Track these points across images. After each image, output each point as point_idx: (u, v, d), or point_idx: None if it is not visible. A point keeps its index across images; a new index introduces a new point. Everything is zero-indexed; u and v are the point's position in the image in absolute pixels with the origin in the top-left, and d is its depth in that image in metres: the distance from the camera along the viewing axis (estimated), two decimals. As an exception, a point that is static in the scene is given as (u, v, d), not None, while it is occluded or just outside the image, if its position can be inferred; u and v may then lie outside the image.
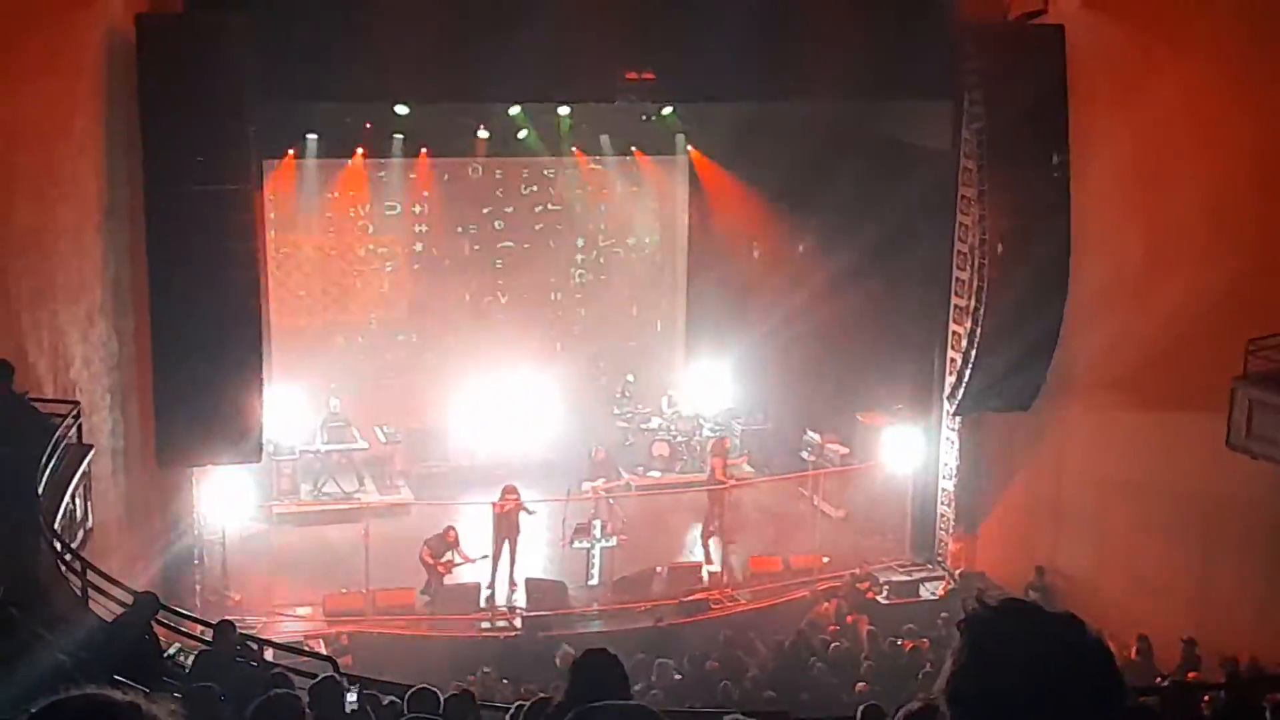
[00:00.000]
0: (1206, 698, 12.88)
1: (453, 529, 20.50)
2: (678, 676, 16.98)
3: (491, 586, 20.27)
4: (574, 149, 25.50)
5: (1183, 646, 16.95)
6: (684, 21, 19.62)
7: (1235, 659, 16.21)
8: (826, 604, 20.13)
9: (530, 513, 20.73)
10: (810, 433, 24.41)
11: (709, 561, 21.69)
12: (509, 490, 20.48)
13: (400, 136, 23.97)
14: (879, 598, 20.72)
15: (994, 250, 19.59)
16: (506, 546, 20.49)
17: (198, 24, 17.66)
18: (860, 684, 16.31)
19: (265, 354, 19.15)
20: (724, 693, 15.93)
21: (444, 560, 20.28)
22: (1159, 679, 15.72)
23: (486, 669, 17.70)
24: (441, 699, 9.64)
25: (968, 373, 20.31)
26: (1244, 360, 16.23)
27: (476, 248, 25.86)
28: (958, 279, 20.87)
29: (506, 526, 20.36)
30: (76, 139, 16.66)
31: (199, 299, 17.26)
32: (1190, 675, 15.92)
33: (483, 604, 20.08)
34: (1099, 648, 2.26)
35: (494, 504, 20.44)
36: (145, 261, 17.53)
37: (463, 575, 20.56)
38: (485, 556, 20.41)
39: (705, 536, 22.03)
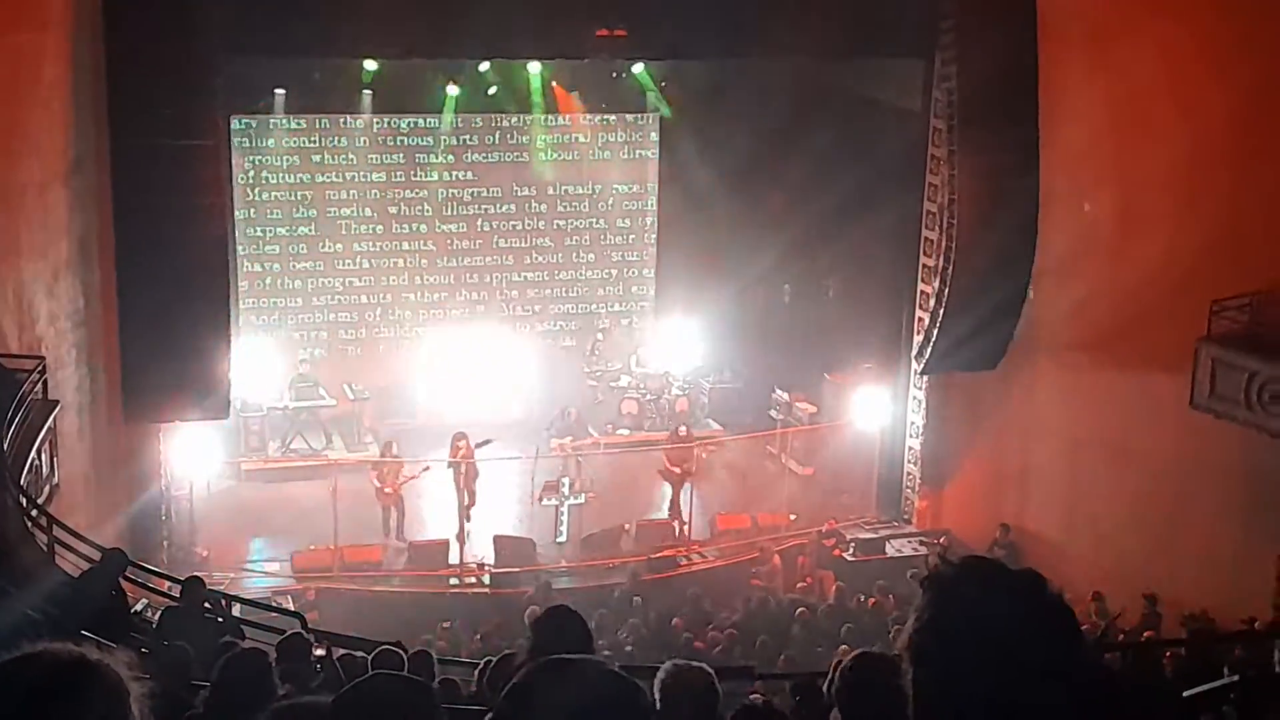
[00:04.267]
0: (1168, 654, 13.04)
1: (390, 441, 21.07)
2: (644, 631, 17.09)
3: (460, 539, 20.33)
4: (544, 106, 25.39)
5: (1143, 603, 17.12)
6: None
7: (1196, 615, 16.40)
8: (781, 557, 20.26)
9: (483, 444, 20.76)
10: (779, 391, 24.49)
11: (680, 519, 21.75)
12: (458, 438, 20.52)
13: (369, 92, 23.83)
14: (845, 555, 20.85)
15: (963, 210, 19.64)
16: (466, 496, 20.61)
17: (164, -23, 17.47)
18: (843, 646, 16.39)
19: (232, 310, 19.08)
20: (687, 646, 16.05)
21: (395, 482, 20.51)
22: (1118, 635, 15.89)
23: (446, 623, 17.67)
24: (405, 658, 9.67)
25: (935, 332, 20.39)
26: (1208, 321, 16.37)
27: (447, 204, 25.72)
28: (926, 239, 20.94)
29: (462, 474, 20.43)
30: (43, 93, 16.50)
31: (166, 254, 17.15)
32: (1148, 633, 16.10)
33: (452, 559, 20.17)
34: (1059, 604, 2.28)
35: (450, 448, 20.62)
36: (112, 216, 17.42)
37: (430, 532, 20.64)
38: (427, 468, 20.70)
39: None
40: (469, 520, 20.62)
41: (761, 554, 20.57)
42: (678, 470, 21.56)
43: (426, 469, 20.69)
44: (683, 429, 22.19)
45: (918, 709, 2.28)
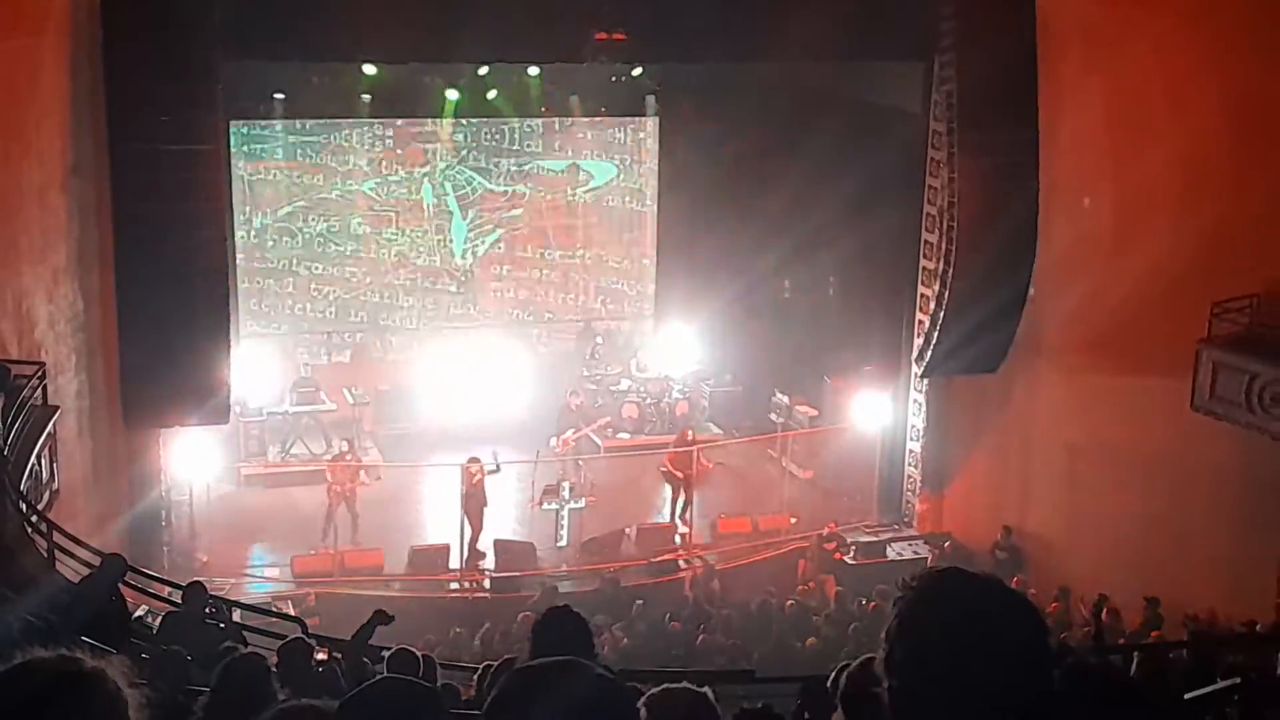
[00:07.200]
0: (1169, 657, 12.99)
1: (350, 440, 21.38)
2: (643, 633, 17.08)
3: (462, 550, 20.27)
4: (543, 110, 25.41)
5: (1145, 605, 17.11)
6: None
7: (1197, 618, 16.40)
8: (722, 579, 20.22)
9: (494, 471, 20.60)
10: (779, 394, 24.47)
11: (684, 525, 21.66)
12: (471, 462, 20.42)
13: (368, 97, 23.84)
14: (846, 558, 20.83)
15: (962, 213, 19.63)
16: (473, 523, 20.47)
17: (163, -19, 17.46)
18: (810, 639, 16.48)
19: (232, 314, 19.08)
20: (690, 651, 16.04)
21: (344, 483, 20.56)
22: (1119, 638, 15.87)
23: (458, 629, 17.73)
24: (420, 660, 9.70)
25: (935, 335, 20.37)
26: (1209, 323, 16.37)
27: (446, 208, 25.73)
28: (926, 241, 20.92)
29: (473, 498, 20.33)
30: (41, 98, 16.51)
31: (165, 259, 17.12)
32: (1154, 634, 16.08)
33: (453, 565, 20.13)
34: (1023, 605, 2.36)
35: (462, 473, 20.37)
36: (111, 221, 17.41)
37: (432, 537, 20.62)
38: (379, 477, 20.84)
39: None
40: (475, 541, 20.43)
41: (703, 573, 20.43)
42: (680, 474, 21.50)
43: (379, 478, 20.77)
44: (690, 433, 22.07)
45: (895, 716, 2.37)
